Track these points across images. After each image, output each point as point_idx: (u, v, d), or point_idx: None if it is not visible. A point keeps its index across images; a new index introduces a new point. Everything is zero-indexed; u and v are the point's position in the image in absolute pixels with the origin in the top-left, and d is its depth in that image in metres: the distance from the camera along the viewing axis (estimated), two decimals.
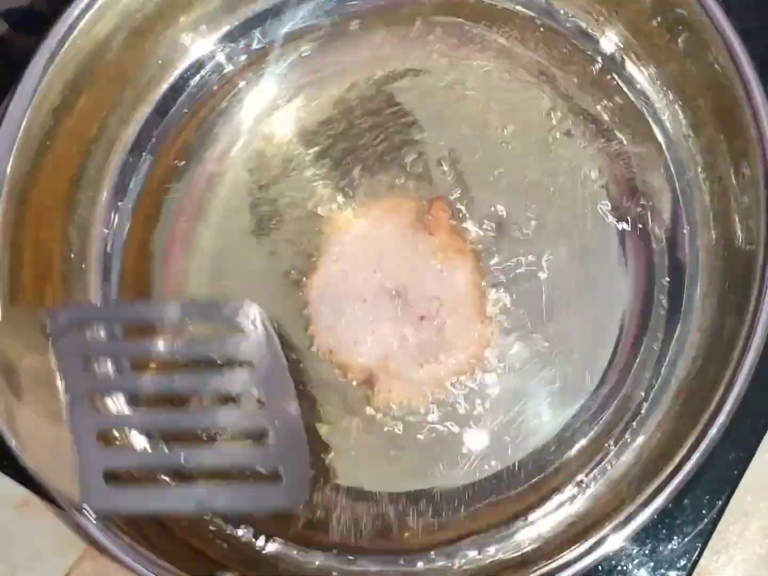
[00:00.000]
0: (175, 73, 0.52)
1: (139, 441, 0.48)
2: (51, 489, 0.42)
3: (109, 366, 0.47)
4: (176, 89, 0.52)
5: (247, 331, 0.41)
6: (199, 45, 0.52)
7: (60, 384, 0.41)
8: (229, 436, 0.46)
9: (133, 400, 0.47)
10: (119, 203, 0.51)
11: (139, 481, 0.44)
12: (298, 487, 0.42)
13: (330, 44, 0.53)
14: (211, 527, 0.48)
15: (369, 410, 0.48)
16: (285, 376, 0.41)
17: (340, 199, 0.50)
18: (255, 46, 0.53)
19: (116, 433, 0.47)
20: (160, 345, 0.42)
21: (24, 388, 0.40)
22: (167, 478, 0.47)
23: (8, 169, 0.45)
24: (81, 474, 0.41)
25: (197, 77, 0.52)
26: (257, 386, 0.41)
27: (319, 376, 0.49)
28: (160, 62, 0.51)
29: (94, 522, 0.42)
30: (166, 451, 0.46)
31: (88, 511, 0.42)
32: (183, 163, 0.52)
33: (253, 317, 0.41)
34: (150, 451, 0.47)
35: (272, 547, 0.48)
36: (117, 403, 0.48)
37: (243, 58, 0.53)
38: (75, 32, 0.45)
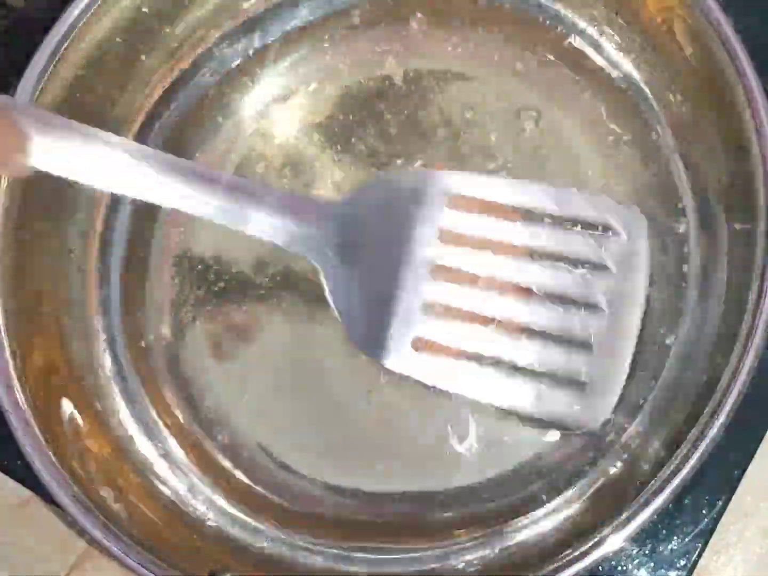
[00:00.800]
0: (175, 73, 0.52)
1: None
2: (357, 346, 0.45)
3: None
4: (176, 89, 0.52)
5: (621, 237, 0.42)
6: (199, 44, 0.52)
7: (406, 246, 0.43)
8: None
9: None
10: (119, 203, 0.51)
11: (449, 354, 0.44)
12: (599, 406, 0.41)
13: (330, 43, 0.53)
14: (211, 525, 0.48)
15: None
16: (640, 295, 0.41)
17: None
18: (255, 45, 0.53)
19: None
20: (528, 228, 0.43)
21: None
22: None
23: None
24: (392, 335, 0.43)
25: (197, 77, 0.53)
26: (608, 294, 0.41)
27: None
28: (160, 62, 0.51)
29: (94, 522, 0.42)
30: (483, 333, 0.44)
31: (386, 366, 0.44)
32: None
33: (634, 225, 0.42)
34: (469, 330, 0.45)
35: (272, 547, 0.48)
36: None
37: (243, 57, 0.53)
38: (74, 32, 0.45)
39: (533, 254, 0.44)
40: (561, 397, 0.42)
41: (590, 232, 0.43)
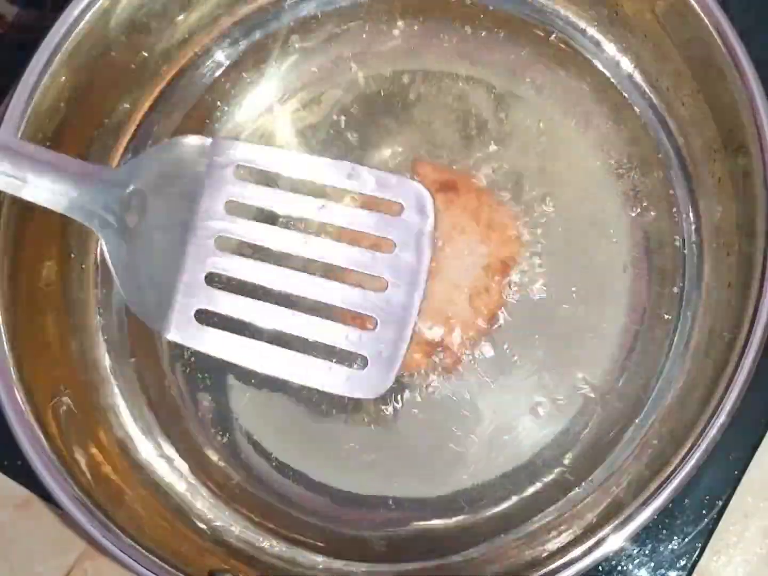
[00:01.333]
0: (175, 73, 0.52)
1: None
2: (139, 316, 0.43)
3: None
4: (176, 89, 0.52)
5: (406, 215, 0.41)
6: (199, 44, 0.52)
7: (192, 217, 0.42)
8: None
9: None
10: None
11: (232, 327, 0.43)
12: (380, 378, 0.41)
13: (330, 43, 0.53)
14: (210, 525, 0.48)
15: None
16: (421, 272, 0.41)
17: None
18: (255, 45, 0.53)
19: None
20: (315, 203, 0.42)
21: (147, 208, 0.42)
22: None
23: None
24: (175, 306, 0.42)
25: (197, 77, 0.52)
26: (388, 270, 0.41)
27: None
28: (159, 62, 0.51)
29: (94, 522, 0.42)
30: (263, 308, 0.44)
31: (167, 338, 0.43)
32: None
33: (423, 205, 0.41)
34: (251, 305, 0.44)
35: (272, 547, 0.48)
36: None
37: (243, 57, 0.53)
38: (74, 32, 0.45)
39: (320, 229, 0.45)
40: (344, 371, 0.42)
41: (377, 210, 0.42)
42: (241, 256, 0.43)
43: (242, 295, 0.43)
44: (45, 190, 0.40)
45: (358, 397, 0.44)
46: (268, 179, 0.45)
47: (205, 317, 0.43)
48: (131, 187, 0.42)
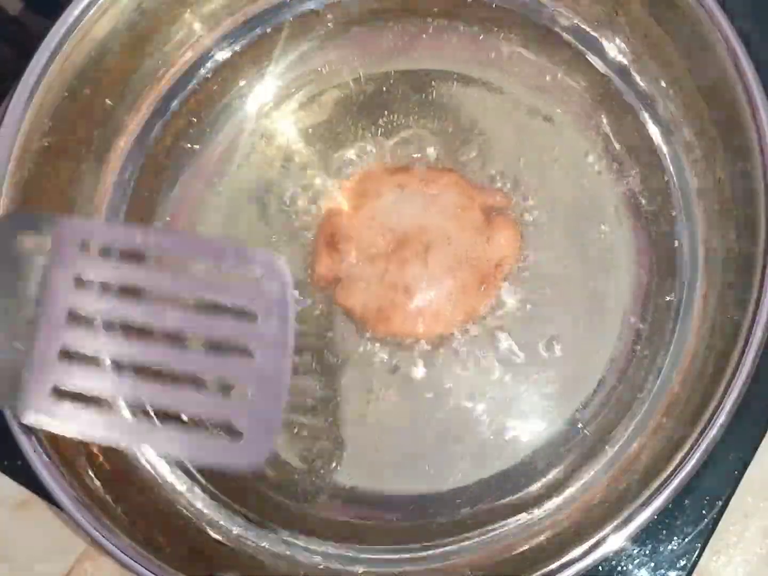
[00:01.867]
0: (175, 73, 0.52)
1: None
2: None
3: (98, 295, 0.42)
4: (176, 89, 0.52)
5: (263, 284, 0.40)
6: (199, 44, 0.52)
7: (36, 292, 0.40)
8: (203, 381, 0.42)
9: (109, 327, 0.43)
10: (119, 204, 0.51)
11: (91, 404, 0.40)
12: (258, 448, 0.39)
13: (330, 43, 0.53)
14: (211, 525, 0.48)
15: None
16: (286, 338, 0.40)
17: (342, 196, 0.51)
18: (255, 45, 0.53)
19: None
20: (164, 277, 0.40)
21: None
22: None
23: (8, 170, 0.45)
24: (28, 383, 0.39)
25: (197, 77, 0.53)
26: (254, 340, 0.40)
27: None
28: (160, 62, 0.51)
29: (94, 522, 0.42)
30: (128, 381, 0.41)
31: (22, 422, 0.40)
32: (184, 163, 0.52)
33: (275, 272, 0.40)
34: (111, 378, 0.42)
35: (273, 547, 0.48)
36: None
37: (243, 57, 0.53)
38: (74, 32, 0.45)
39: (180, 301, 0.41)
40: (218, 444, 0.40)
41: (236, 281, 0.40)
42: (93, 330, 0.41)
43: (98, 367, 0.41)
44: None
45: (234, 468, 0.41)
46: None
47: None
48: None
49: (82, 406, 0.40)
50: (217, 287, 0.40)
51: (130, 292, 0.40)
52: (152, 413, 0.43)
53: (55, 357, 0.40)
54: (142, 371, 0.40)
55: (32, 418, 0.40)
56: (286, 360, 0.40)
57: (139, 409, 0.43)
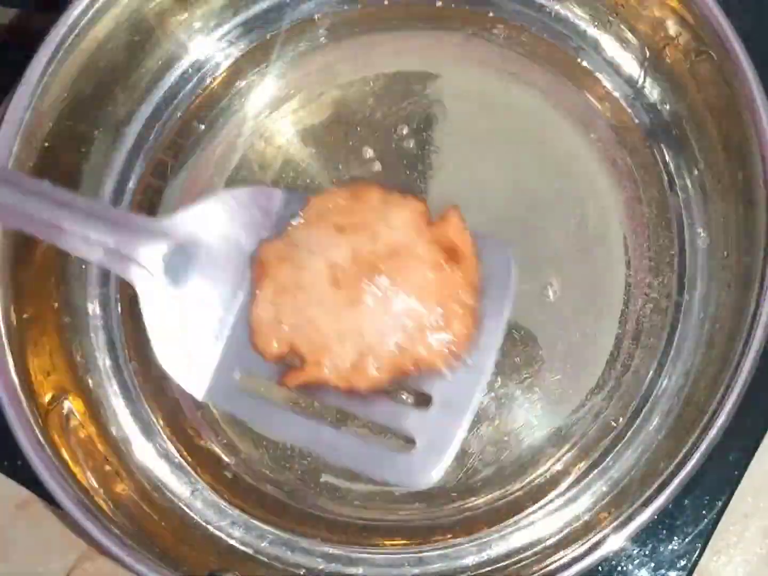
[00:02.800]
0: (176, 74, 0.52)
1: None
2: (175, 380, 0.40)
3: None
4: (176, 89, 0.52)
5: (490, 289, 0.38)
6: (199, 45, 0.52)
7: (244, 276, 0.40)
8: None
9: None
10: (119, 204, 0.51)
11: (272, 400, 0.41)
12: (428, 468, 0.38)
13: (329, 44, 0.53)
14: (211, 525, 0.48)
15: None
16: (489, 356, 0.38)
17: None
18: (254, 45, 0.53)
19: None
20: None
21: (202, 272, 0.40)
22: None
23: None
24: (215, 371, 0.40)
25: (197, 77, 0.53)
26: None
27: None
28: (160, 62, 0.51)
29: (94, 522, 0.42)
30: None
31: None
32: (183, 163, 0.52)
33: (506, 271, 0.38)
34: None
35: (272, 547, 0.48)
36: None
37: (243, 57, 0.53)
38: (75, 32, 0.45)
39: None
40: (392, 458, 0.38)
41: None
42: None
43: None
44: (79, 239, 0.37)
45: (401, 487, 0.41)
46: None
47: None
48: (175, 241, 0.39)
49: (267, 398, 0.41)
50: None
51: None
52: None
53: (248, 346, 0.40)
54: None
55: (210, 399, 0.40)
56: (480, 383, 0.38)
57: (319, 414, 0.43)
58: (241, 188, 0.42)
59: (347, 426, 0.41)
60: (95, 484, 0.45)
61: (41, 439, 0.43)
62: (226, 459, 0.49)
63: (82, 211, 0.38)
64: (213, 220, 0.40)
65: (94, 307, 0.51)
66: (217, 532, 0.48)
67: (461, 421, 0.38)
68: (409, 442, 0.38)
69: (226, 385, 0.40)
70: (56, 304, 0.49)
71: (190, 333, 0.40)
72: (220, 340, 0.40)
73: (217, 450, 0.50)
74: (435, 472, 0.38)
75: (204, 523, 0.49)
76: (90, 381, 0.49)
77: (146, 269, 0.39)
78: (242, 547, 0.48)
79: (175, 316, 0.40)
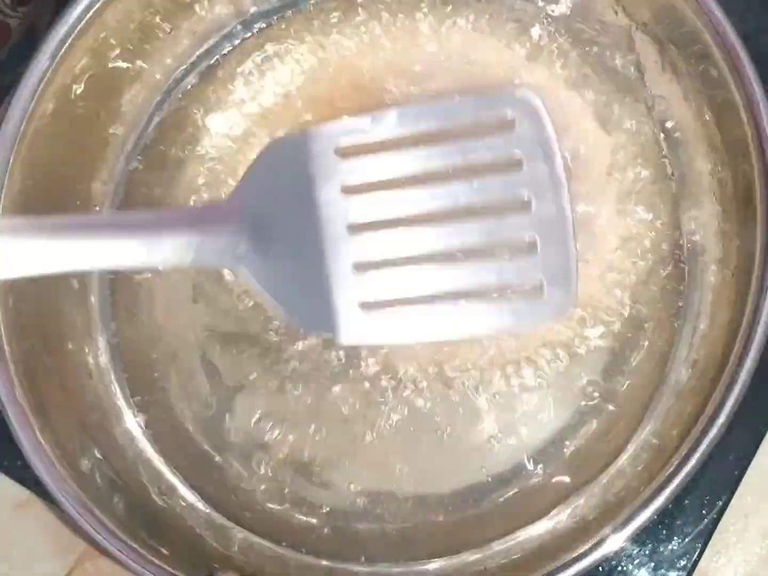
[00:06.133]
0: (175, 73, 0.52)
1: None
2: (312, 331, 0.42)
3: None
4: (176, 89, 0.52)
5: (518, 126, 0.39)
6: (198, 45, 0.52)
7: (315, 214, 0.40)
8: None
9: None
10: (119, 199, 0.51)
11: (398, 307, 0.41)
12: (561, 299, 0.39)
13: (329, 41, 0.53)
14: (210, 525, 0.48)
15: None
16: (559, 176, 0.39)
17: None
18: (254, 45, 0.53)
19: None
20: (423, 155, 0.40)
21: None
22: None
23: (8, 169, 0.45)
24: (335, 306, 0.40)
25: (197, 76, 0.53)
26: (527, 188, 0.39)
27: None
28: (159, 62, 0.51)
29: (94, 522, 0.42)
30: (422, 272, 0.41)
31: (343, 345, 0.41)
32: (184, 163, 0.52)
33: (527, 109, 0.39)
34: (407, 275, 0.41)
35: (272, 547, 0.48)
36: None
37: (242, 58, 0.53)
38: (75, 32, 0.45)
39: (442, 175, 0.40)
40: (522, 306, 0.39)
41: (489, 134, 0.39)
42: (376, 231, 0.40)
43: (395, 268, 0.40)
44: (169, 251, 0.37)
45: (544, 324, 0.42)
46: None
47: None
48: (248, 212, 0.40)
49: (392, 312, 0.40)
50: (471, 148, 0.39)
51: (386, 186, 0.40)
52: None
53: (351, 272, 0.40)
54: (430, 259, 0.40)
55: (352, 339, 0.41)
56: (564, 199, 0.39)
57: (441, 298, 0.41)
58: (269, 145, 0.42)
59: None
60: (95, 485, 0.45)
61: (41, 438, 0.43)
62: (225, 460, 0.49)
63: (157, 226, 0.38)
64: (265, 180, 0.41)
65: (94, 308, 0.51)
66: (217, 532, 0.48)
67: (569, 245, 0.39)
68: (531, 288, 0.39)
69: (355, 318, 0.40)
70: (57, 305, 0.49)
71: (301, 285, 0.40)
72: (327, 282, 0.40)
73: (218, 451, 0.50)
74: (568, 303, 0.39)
75: (204, 523, 0.49)
76: (90, 381, 0.49)
77: (236, 251, 0.39)
78: (242, 548, 0.48)
79: (282, 277, 0.40)
